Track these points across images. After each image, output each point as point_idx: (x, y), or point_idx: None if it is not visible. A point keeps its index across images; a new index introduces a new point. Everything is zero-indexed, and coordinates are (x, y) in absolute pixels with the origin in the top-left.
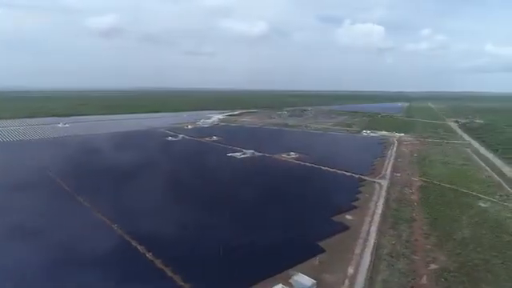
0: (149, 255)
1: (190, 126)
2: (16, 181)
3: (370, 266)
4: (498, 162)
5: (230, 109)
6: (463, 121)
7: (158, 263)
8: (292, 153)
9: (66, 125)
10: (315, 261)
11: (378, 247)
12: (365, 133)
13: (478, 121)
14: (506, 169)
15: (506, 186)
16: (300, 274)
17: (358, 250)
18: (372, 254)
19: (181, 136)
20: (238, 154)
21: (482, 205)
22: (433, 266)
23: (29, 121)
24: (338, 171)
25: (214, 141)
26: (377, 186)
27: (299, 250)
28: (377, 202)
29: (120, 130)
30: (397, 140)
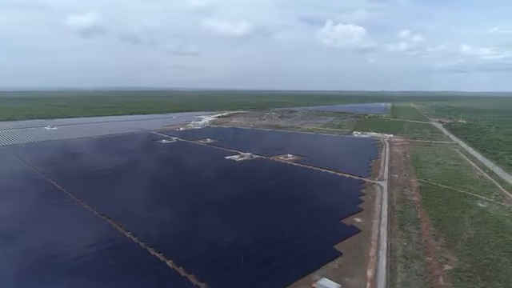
0: (169, 263)
1: (181, 128)
2: (21, 192)
3: (387, 268)
4: (487, 162)
5: (218, 110)
6: (447, 121)
7: (181, 271)
8: (289, 155)
9: (54, 128)
10: (334, 264)
11: (391, 249)
12: (356, 134)
13: (461, 121)
14: (496, 169)
15: (500, 186)
16: (324, 278)
17: (372, 253)
18: (387, 256)
19: (174, 138)
20: (236, 157)
21: (481, 205)
22: (447, 267)
23: (9, 124)
24: (338, 173)
25: (208, 143)
26: (377, 187)
27: (317, 254)
28: (381, 204)
29: (111, 132)
30: (387, 141)
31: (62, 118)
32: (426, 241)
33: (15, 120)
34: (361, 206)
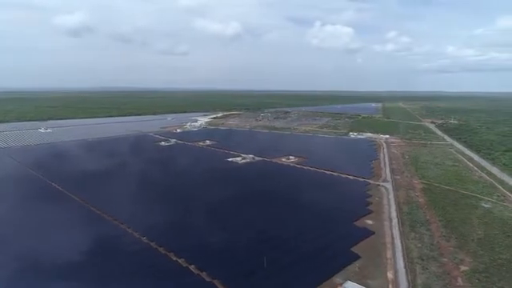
0: (191, 267)
1: (178, 130)
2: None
3: (406, 270)
4: (483, 162)
5: (212, 110)
6: (439, 121)
7: (205, 276)
8: (291, 156)
9: (49, 130)
10: (355, 267)
11: (407, 251)
12: (352, 135)
13: (452, 121)
14: (494, 170)
15: (500, 187)
16: (349, 281)
17: (389, 255)
18: (404, 258)
19: (173, 141)
20: (238, 159)
21: (485, 205)
22: (463, 268)
23: (2, 126)
24: (342, 175)
25: (208, 145)
26: (383, 189)
27: (336, 257)
28: (389, 206)
29: (108, 135)
30: (384, 142)
31: (54, 119)
32: (438, 242)
33: (7, 122)
34: (370, 207)
